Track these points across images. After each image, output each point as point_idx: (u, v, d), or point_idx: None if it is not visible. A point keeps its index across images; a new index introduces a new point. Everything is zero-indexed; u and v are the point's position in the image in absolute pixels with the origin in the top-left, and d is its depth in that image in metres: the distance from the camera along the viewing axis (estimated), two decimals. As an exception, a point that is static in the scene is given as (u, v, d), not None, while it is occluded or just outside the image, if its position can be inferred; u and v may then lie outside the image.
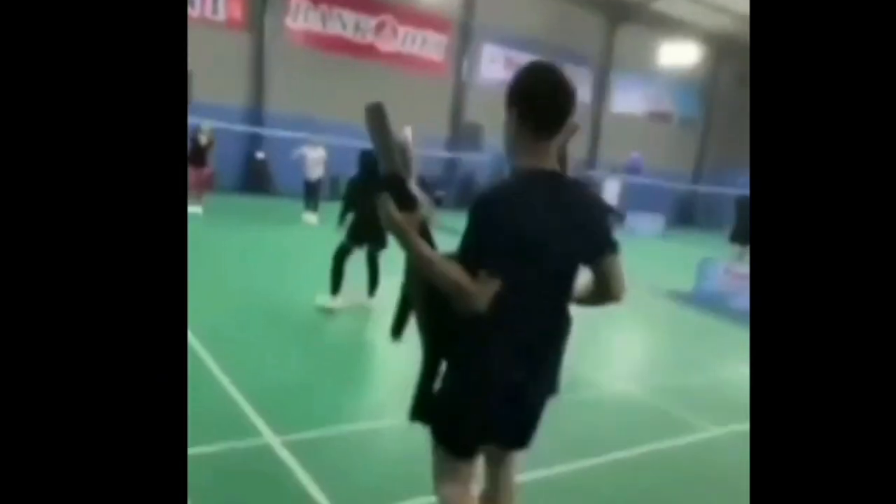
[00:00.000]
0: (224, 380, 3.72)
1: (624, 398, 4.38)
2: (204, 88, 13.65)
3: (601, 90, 22.67)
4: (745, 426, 4.01)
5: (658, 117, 24.47)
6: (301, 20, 16.67)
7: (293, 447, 3.01)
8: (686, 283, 8.51)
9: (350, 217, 5.35)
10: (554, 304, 1.90)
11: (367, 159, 5.19)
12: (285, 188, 15.16)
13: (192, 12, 14.55)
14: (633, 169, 17.72)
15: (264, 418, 3.26)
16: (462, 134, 19.49)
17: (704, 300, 7.98)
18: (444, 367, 1.87)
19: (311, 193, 12.11)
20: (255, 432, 3.13)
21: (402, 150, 1.98)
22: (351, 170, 5.71)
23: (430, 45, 18.81)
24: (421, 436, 3.35)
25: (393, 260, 2.90)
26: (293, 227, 11.27)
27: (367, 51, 17.71)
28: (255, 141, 16.02)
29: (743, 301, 7.58)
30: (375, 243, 5.42)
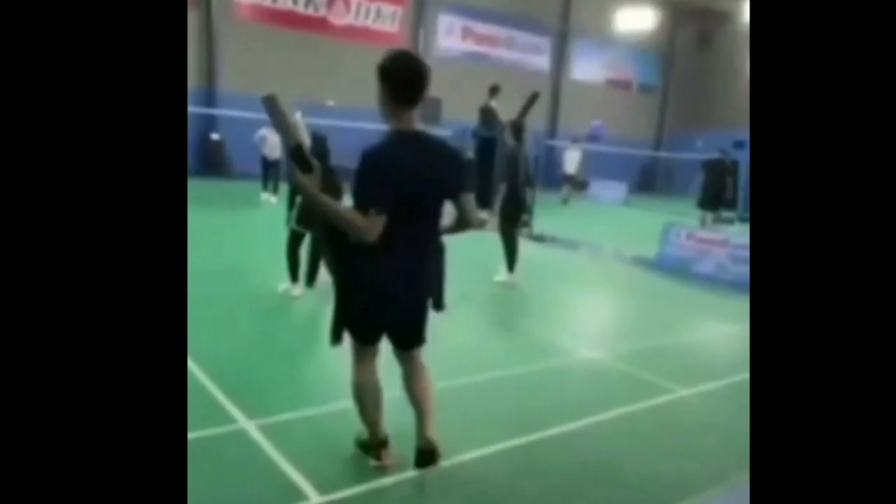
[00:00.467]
0: (191, 363, 3.64)
1: (593, 364, 4.44)
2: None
3: (560, 58, 22.65)
4: (712, 386, 4.12)
5: (617, 84, 24.60)
6: (250, -6, 16.16)
7: (268, 430, 2.97)
8: (650, 249, 8.65)
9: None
10: (427, 234, 2.49)
11: (313, 143, 5.09)
12: (243, 170, 14.82)
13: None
14: (594, 137, 17.83)
15: (236, 403, 3.21)
16: (421, 108, 19.29)
17: (668, 265, 8.13)
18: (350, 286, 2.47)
19: (270, 174, 11.90)
20: (228, 418, 3.08)
21: (296, 128, 2.43)
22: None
23: (385, 17, 18.47)
24: (395, 415, 3.35)
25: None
26: (254, 209, 11.05)
27: (320, 24, 17.30)
28: (209, 122, 15.57)
29: (705, 265, 7.75)
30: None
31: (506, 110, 10.20)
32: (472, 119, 11.37)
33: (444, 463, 2.77)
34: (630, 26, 21.95)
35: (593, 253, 9.51)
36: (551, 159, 17.95)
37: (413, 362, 2.67)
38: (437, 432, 2.62)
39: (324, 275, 5.33)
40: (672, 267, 8.05)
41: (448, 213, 2.57)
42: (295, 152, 2.31)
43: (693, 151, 20.88)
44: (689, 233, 8.23)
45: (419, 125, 2.43)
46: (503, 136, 8.61)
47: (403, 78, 2.36)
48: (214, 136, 15.68)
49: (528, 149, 7.01)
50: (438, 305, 2.69)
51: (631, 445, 3.20)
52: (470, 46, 20.35)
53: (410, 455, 2.67)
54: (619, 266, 8.70)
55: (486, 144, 10.50)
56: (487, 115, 10.56)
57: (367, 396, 2.64)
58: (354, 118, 15.18)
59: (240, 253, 7.28)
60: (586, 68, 23.51)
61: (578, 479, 2.83)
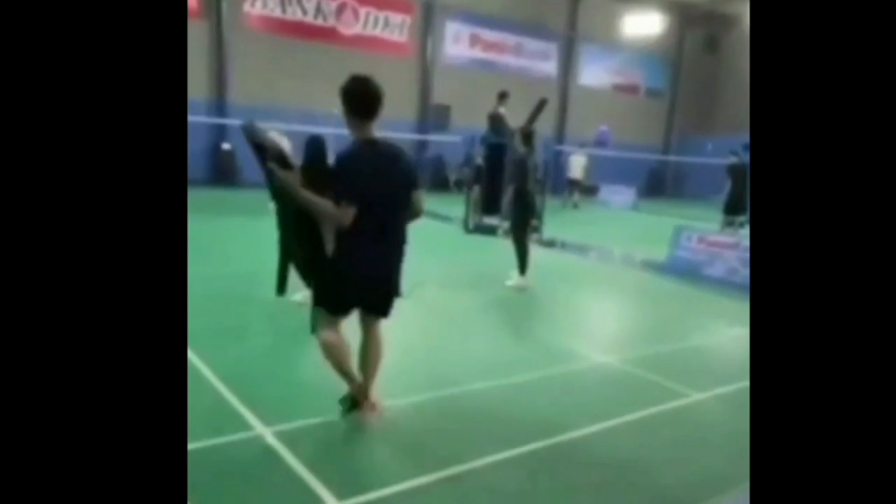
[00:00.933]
0: (206, 371, 3.68)
1: (606, 368, 4.44)
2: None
3: (567, 64, 22.67)
4: (727, 390, 4.11)
5: (625, 89, 24.58)
6: (259, 5, 16.31)
7: (284, 437, 2.99)
8: (660, 253, 8.63)
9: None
10: (393, 223, 3.01)
11: (312, 146, 4.99)
12: (253, 179, 14.91)
13: (146, 2, 14.12)
14: (601, 142, 17.83)
15: (252, 410, 3.24)
16: (430, 116, 19.34)
17: (679, 269, 8.11)
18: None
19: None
20: (244, 425, 3.10)
21: (274, 140, 3.17)
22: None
23: (393, 26, 18.57)
24: (410, 420, 3.37)
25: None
26: (264, 218, 11.11)
27: (329, 34, 17.42)
28: (220, 132, 15.71)
29: (717, 269, 7.72)
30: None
31: (514, 116, 10.23)
32: (480, 125, 11.39)
33: (461, 467, 2.79)
34: (637, 31, 21.93)
35: (603, 257, 9.49)
36: (559, 164, 17.94)
37: (374, 330, 3.20)
38: (375, 391, 3.28)
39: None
40: (683, 270, 8.02)
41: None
42: (276, 158, 2.99)
43: (703, 155, 20.82)
44: (701, 236, 8.20)
45: (377, 134, 2.99)
46: (512, 142, 8.64)
47: (359, 98, 2.92)
48: (225, 146, 15.81)
49: (538, 155, 7.03)
50: (396, 291, 3.14)
51: (647, 449, 3.19)
52: (478, 53, 20.41)
53: (434, 454, 2.68)
54: (630, 270, 8.68)
55: (495, 151, 10.52)
56: (496, 121, 10.58)
57: (338, 351, 3.07)
58: (363, 126, 15.27)
59: (252, 260, 7.33)
60: (594, 73, 23.51)
61: (596, 483, 2.83)
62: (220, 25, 15.63)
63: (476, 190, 10.97)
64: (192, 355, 3.96)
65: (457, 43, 19.99)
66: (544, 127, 17.87)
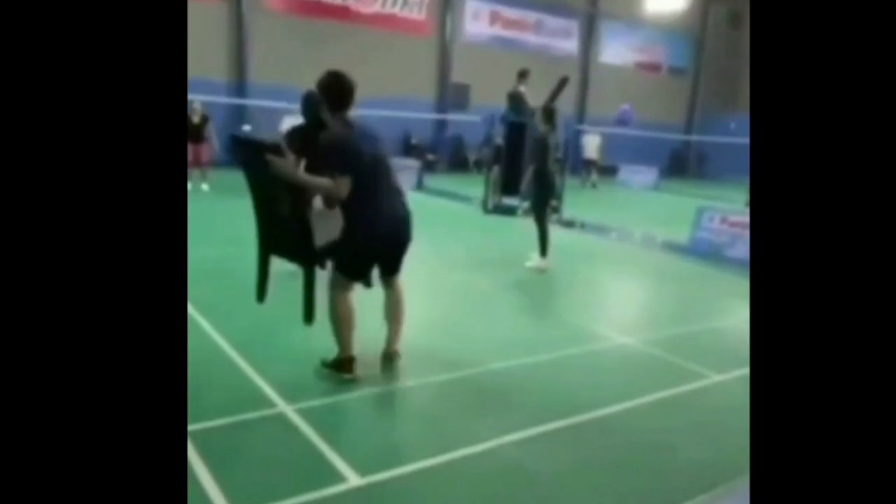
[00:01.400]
0: (231, 352, 3.74)
1: (627, 350, 4.43)
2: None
3: (588, 41, 22.31)
4: (747, 371, 4.08)
5: (647, 67, 24.16)
6: (278, -15, 16.24)
7: (306, 414, 3.04)
8: (681, 234, 8.54)
9: None
10: (388, 187, 3.36)
11: (308, 103, 4.92)
12: (274, 159, 14.97)
13: (166, -17, 14.13)
14: (622, 121, 17.58)
15: (274, 387, 3.29)
16: (449, 95, 19.21)
17: (700, 250, 8.02)
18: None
19: None
20: (266, 402, 3.16)
21: (272, 140, 3.53)
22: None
23: (412, 4, 18.41)
24: (431, 399, 3.40)
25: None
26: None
27: (348, 14, 17.33)
28: (240, 114, 15.77)
29: (739, 249, 7.63)
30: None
31: (534, 95, 10.12)
32: (500, 104, 11.29)
33: (482, 446, 2.82)
34: (660, 7, 21.47)
35: (623, 238, 9.42)
36: (580, 144, 17.77)
37: (395, 286, 3.58)
38: (400, 344, 3.66)
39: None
40: (704, 252, 7.94)
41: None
42: (270, 149, 3.30)
43: (726, 134, 20.46)
44: (723, 217, 8.09)
45: (353, 115, 3.37)
46: (532, 121, 8.56)
47: (335, 93, 3.30)
48: (245, 128, 15.88)
49: (559, 134, 6.97)
50: (409, 237, 3.50)
51: (667, 430, 3.20)
52: (498, 31, 20.17)
53: (446, 436, 2.71)
54: (650, 251, 8.61)
55: (515, 130, 10.43)
56: (516, 100, 10.48)
57: (346, 318, 3.35)
58: (384, 106, 15.23)
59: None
60: (615, 51, 23.13)
61: (617, 462, 2.84)
62: (239, 6, 15.62)
63: (495, 170, 10.91)
64: (212, 331, 4.03)
65: (476, 20, 19.76)
66: (564, 106, 17.65)
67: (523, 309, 5.49)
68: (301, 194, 3.42)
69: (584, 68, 22.20)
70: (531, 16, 20.72)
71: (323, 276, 3.61)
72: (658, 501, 2.52)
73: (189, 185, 10.35)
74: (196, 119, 10.79)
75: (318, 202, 3.98)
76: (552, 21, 21.24)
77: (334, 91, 3.30)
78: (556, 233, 7.22)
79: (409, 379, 3.65)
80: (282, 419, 3.02)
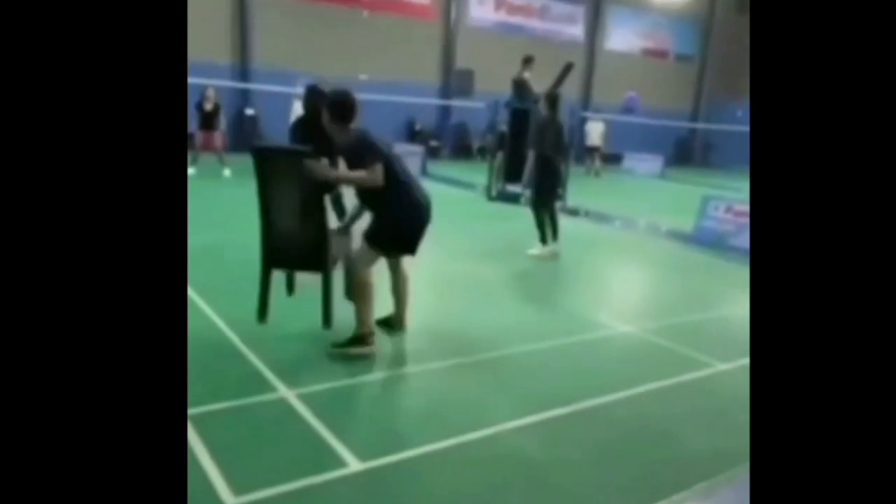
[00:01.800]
0: (233, 337, 3.74)
1: (630, 338, 4.42)
2: (189, 47, 13.29)
3: (594, 27, 22.11)
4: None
5: (654, 54, 23.95)
6: (282, -31, 16.10)
7: (308, 399, 3.04)
8: (686, 223, 8.50)
9: None
10: (409, 174, 3.72)
11: (309, 94, 5.28)
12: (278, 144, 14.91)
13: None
14: (628, 108, 17.46)
15: (276, 373, 3.29)
16: (454, 81, 19.09)
17: (705, 239, 7.98)
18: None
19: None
20: (269, 387, 3.16)
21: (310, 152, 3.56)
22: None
23: (417, -11, 18.23)
24: (433, 386, 3.40)
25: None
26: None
27: (352, -3, 17.17)
28: (244, 98, 15.70)
29: (744, 239, 7.59)
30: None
31: (539, 81, 10.04)
32: (505, 91, 11.21)
33: (484, 432, 2.83)
34: (668, -7, 21.27)
35: (628, 226, 9.38)
36: (585, 131, 17.66)
37: (401, 267, 3.92)
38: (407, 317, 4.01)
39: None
40: (709, 241, 7.90)
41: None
42: (308, 155, 3.50)
43: (733, 122, 20.32)
44: (729, 206, 8.04)
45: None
46: (536, 107, 8.49)
47: (345, 108, 3.55)
48: (249, 112, 15.83)
49: (562, 120, 6.91)
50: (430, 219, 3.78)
51: (671, 418, 3.19)
52: (503, 17, 19.99)
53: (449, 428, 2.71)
54: (655, 240, 8.57)
55: (520, 117, 10.36)
56: (520, 86, 10.40)
57: (369, 292, 3.60)
58: (387, 91, 15.15)
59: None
60: (621, 37, 22.91)
61: (619, 450, 2.84)
62: (243, -11, 15.50)
63: (499, 157, 10.86)
64: (213, 315, 4.03)
65: (481, 5, 19.58)
66: (570, 92, 17.54)
67: (526, 297, 5.47)
68: (322, 200, 3.68)
69: (589, 55, 22.01)
70: (536, 1, 20.53)
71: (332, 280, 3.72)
72: (660, 489, 2.51)
73: (192, 171, 10.37)
74: (209, 106, 10.80)
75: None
76: (558, 7, 21.04)
77: (344, 108, 3.55)
78: (560, 221, 7.18)
79: (410, 365, 3.64)
80: (283, 404, 3.02)
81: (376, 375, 3.48)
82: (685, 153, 24.60)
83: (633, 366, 3.89)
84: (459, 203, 10.05)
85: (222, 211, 7.90)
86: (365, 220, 3.79)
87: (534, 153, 6.66)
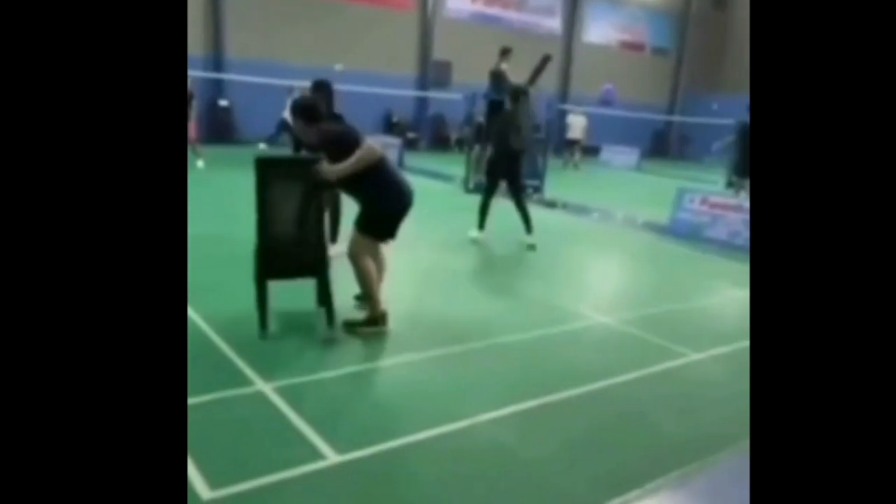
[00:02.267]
0: (206, 328, 3.70)
1: (606, 329, 4.46)
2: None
3: (572, 20, 22.18)
4: (724, 350, 4.13)
5: (631, 47, 24.11)
6: (257, -43, 15.85)
7: (285, 393, 3.02)
8: (662, 215, 8.59)
9: None
10: (388, 160, 3.91)
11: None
12: (252, 135, 14.75)
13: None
14: (605, 101, 17.55)
15: (252, 366, 3.26)
16: (431, 72, 19.01)
17: (681, 231, 8.08)
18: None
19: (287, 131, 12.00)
20: (246, 380, 3.13)
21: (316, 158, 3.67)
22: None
23: (394, -21, 18.10)
24: (410, 378, 3.40)
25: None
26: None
27: (329, -13, 16.98)
28: (217, 88, 15.47)
29: (719, 230, 7.70)
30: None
31: (517, 74, 10.05)
32: (482, 82, 11.21)
33: (460, 423, 2.84)
34: (644, -14, 21.40)
35: (605, 218, 9.46)
36: (565, 124, 17.74)
37: (380, 252, 4.09)
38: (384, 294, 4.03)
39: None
40: (685, 232, 8.00)
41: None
42: (312, 162, 3.62)
43: (708, 115, 20.55)
44: (703, 198, 8.15)
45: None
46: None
47: (310, 114, 3.81)
48: (222, 103, 15.60)
49: (526, 114, 7.02)
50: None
51: (645, 407, 3.23)
52: (480, 8, 19.95)
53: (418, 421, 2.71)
54: (632, 232, 8.66)
55: (497, 108, 10.36)
56: (498, 78, 10.40)
57: (374, 277, 3.86)
58: (363, 83, 15.03)
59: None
60: (599, 30, 23.03)
61: (595, 439, 2.87)
62: (216, -23, 15.24)
63: (477, 149, 10.85)
64: (190, 311, 3.98)
65: (459, -3, 19.51)
66: (547, 85, 17.60)
67: (504, 288, 5.49)
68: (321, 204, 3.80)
69: (567, 47, 22.09)
70: (514, -7, 20.52)
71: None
72: (636, 476, 2.54)
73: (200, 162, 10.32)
74: None
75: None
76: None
77: (308, 110, 3.83)
78: (538, 213, 7.21)
79: (388, 357, 3.64)
80: (260, 397, 2.99)
81: (354, 368, 3.47)
82: (661, 146, 24.86)
83: (610, 356, 3.93)
84: (437, 195, 10.03)
85: (195, 203, 7.78)
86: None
87: (495, 149, 6.77)
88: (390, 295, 4.07)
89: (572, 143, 17.27)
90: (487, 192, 6.89)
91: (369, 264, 3.81)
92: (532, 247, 6.63)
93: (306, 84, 5.34)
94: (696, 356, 3.99)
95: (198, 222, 6.55)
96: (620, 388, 3.43)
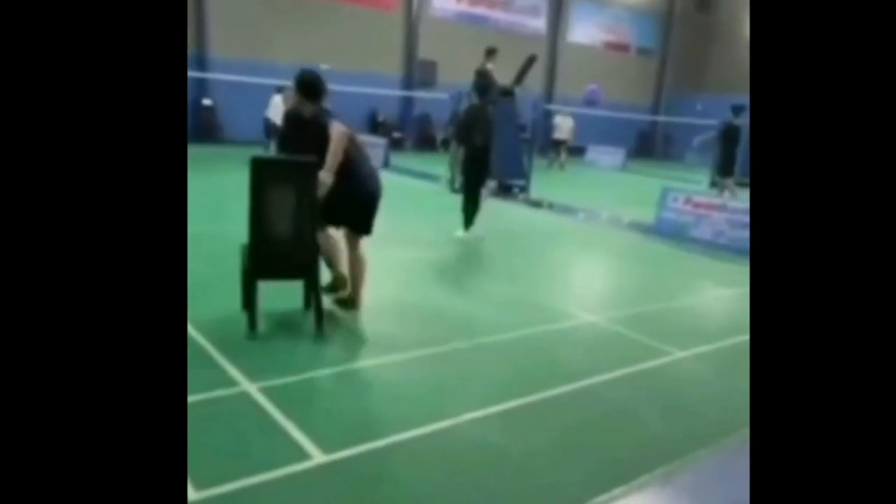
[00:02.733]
0: (191, 328, 3.66)
1: (591, 328, 4.48)
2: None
3: (557, 20, 22.26)
4: (708, 349, 4.17)
5: (616, 47, 24.25)
6: (241, -45, 15.74)
7: (270, 393, 3.00)
8: (647, 215, 8.65)
9: None
10: (366, 155, 4.20)
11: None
12: (237, 135, 14.64)
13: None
14: (590, 101, 17.64)
15: (237, 366, 3.23)
16: (416, 72, 18.99)
17: (666, 230, 8.14)
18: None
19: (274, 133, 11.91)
20: (230, 381, 3.10)
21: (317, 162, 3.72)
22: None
23: (379, -22, 18.06)
24: (396, 378, 3.39)
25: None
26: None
27: (314, -14, 16.90)
28: (201, 87, 15.33)
29: (703, 230, 7.77)
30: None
31: (503, 74, 10.06)
32: (468, 82, 11.19)
33: (447, 422, 2.83)
34: (629, -13, 21.54)
35: (590, 218, 9.50)
36: (548, 124, 17.82)
37: (359, 249, 4.16)
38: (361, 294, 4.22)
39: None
40: (670, 232, 8.06)
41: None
42: (317, 164, 3.70)
43: (693, 115, 20.73)
44: (687, 197, 8.22)
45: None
46: (502, 99, 8.52)
47: (309, 88, 3.90)
48: (206, 102, 15.47)
49: (492, 112, 7.14)
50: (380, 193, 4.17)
51: (631, 405, 3.25)
52: (465, 7, 19.96)
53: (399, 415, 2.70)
54: (617, 231, 8.71)
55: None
56: (483, 77, 10.40)
57: (335, 248, 4.11)
58: (348, 83, 14.97)
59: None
60: (584, 31, 23.14)
61: (580, 437, 2.88)
62: (200, -25, 15.10)
63: (453, 147, 10.86)
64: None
65: (444, -4, 19.51)
66: (533, 85, 17.64)
67: (491, 287, 5.50)
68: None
69: (552, 47, 22.17)
70: (500, -7, 20.56)
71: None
72: (622, 473, 2.55)
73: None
74: None
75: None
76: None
77: (301, 86, 3.89)
78: (523, 212, 7.25)
79: (374, 356, 3.63)
80: (245, 397, 2.97)
81: (340, 367, 3.45)
82: (647, 146, 25.03)
83: (596, 354, 3.95)
84: (423, 195, 10.03)
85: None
86: None
87: (463, 147, 6.85)
88: (376, 293, 4.07)
89: (558, 144, 17.35)
90: (465, 191, 6.91)
91: (329, 237, 4.06)
92: (461, 240, 6.79)
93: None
94: (681, 354, 4.02)
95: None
96: (607, 386, 3.45)
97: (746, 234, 7.05)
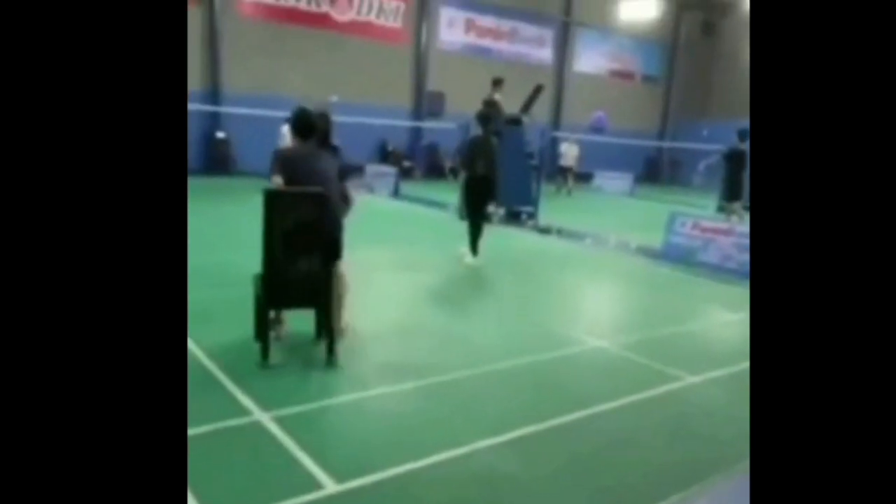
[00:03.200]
0: (202, 357, 3.70)
1: (601, 353, 4.48)
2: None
3: (563, 50, 22.56)
4: (720, 373, 4.15)
5: (621, 75, 24.50)
6: (253, -8, 16.16)
7: (282, 422, 3.02)
8: (655, 240, 8.66)
9: None
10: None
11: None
12: (250, 167, 14.85)
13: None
14: (597, 128, 17.78)
15: (249, 395, 3.26)
16: (425, 103, 19.26)
17: (673, 255, 8.14)
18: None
19: None
20: (243, 410, 3.13)
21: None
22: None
23: (388, 12, 18.45)
24: (404, 407, 3.40)
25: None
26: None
27: (323, 20, 17.30)
28: (214, 121, 15.62)
29: (711, 254, 7.77)
30: None
31: (510, 103, 10.19)
32: (475, 112, 11.35)
33: (457, 451, 2.84)
34: (633, 16, 21.84)
35: (599, 244, 9.52)
36: (556, 152, 17.96)
37: (338, 268, 4.03)
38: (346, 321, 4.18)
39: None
40: (678, 256, 8.06)
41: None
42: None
43: (699, 141, 20.80)
44: (695, 222, 8.23)
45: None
46: (507, 127, 8.62)
47: (302, 126, 3.93)
48: (220, 135, 15.75)
49: (495, 141, 7.25)
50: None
51: (643, 432, 3.24)
52: (473, 39, 20.31)
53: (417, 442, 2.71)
54: (625, 256, 8.72)
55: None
56: (491, 107, 10.55)
57: (343, 298, 4.08)
58: (358, 114, 15.21)
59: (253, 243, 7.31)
60: (589, 59, 23.42)
61: (592, 465, 2.87)
62: (212, 12, 15.49)
63: (461, 175, 10.95)
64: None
65: (451, 28, 19.87)
66: (540, 113, 17.82)
67: (498, 314, 5.52)
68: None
69: (558, 76, 22.43)
70: (506, 24, 20.91)
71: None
72: (634, 499, 2.55)
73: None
74: None
75: None
76: (527, 29, 21.46)
77: (294, 125, 3.95)
78: (531, 239, 7.29)
79: (385, 385, 3.64)
80: (258, 427, 2.99)
81: (351, 396, 3.47)
82: (654, 171, 25.10)
83: (606, 380, 3.94)
84: (432, 223, 10.10)
85: (191, 234, 7.81)
86: None
87: (465, 174, 6.91)
88: (387, 320, 4.08)
89: (565, 170, 17.52)
90: (470, 218, 6.98)
91: (342, 278, 4.06)
92: (469, 266, 6.81)
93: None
94: (692, 379, 4.01)
95: (193, 253, 6.59)
96: (619, 413, 3.44)
97: (756, 258, 7.02)
